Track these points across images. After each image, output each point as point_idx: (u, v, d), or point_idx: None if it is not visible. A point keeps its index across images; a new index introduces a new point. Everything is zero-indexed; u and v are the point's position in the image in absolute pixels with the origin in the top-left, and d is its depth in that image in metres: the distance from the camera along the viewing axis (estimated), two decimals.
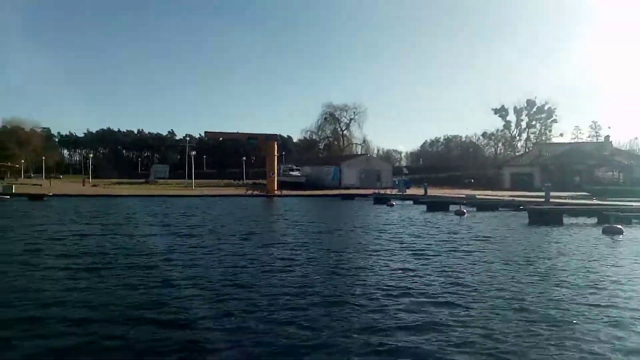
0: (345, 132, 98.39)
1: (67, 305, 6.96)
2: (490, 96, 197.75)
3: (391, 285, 8.30)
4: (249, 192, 51.34)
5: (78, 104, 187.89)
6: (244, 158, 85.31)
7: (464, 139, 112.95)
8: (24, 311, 6.61)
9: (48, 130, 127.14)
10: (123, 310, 6.69)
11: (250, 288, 8.14)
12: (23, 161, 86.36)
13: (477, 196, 34.96)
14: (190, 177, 67.66)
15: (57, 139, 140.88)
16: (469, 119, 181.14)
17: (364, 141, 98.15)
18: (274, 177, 54.54)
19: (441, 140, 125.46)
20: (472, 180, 71.63)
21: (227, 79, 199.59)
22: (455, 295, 7.59)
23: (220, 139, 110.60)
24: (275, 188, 52.65)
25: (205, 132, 63.87)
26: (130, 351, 5.22)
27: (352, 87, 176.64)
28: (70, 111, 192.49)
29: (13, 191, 41.85)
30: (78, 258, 11.08)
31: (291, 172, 69.28)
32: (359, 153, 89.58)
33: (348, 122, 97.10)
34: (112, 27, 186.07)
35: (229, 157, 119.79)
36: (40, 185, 60.29)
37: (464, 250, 12.66)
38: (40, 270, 9.52)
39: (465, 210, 25.69)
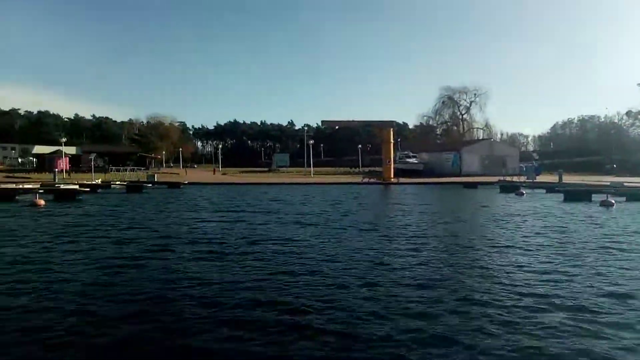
0: (465, 115, 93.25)
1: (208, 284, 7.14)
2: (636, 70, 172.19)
3: (537, 293, 7.09)
4: (365, 179, 51.08)
5: (208, 99, 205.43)
6: (360, 146, 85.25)
7: (602, 120, 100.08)
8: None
9: (184, 124, 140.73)
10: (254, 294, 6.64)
11: (370, 286, 7.61)
12: (164, 152, 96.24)
13: (625, 184, 30.35)
14: (309, 166, 69.59)
15: (191, 132, 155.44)
16: (610, 98, 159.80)
17: (486, 125, 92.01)
18: (390, 164, 53.55)
19: (575, 121, 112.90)
20: (615, 166, 62.99)
21: (344, 68, 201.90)
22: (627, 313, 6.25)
23: (337, 127, 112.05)
24: (392, 176, 51.65)
25: (323, 121, 65.26)
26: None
27: (471, 69, 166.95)
28: (202, 106, 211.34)
29: (155, 180, 46.70)
30: (204, 244, 11.59)
31: (408, 159, 67.54)
32: (481, 138, 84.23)
33: (468, 105, 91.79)
34: (226, 28, 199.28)
35: (345, 145, 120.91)
36: (178, 174, 66.67)
37: (622, 250, 10.71)
38: (177, 254, 10.11)
39: (613, 201, 22.34)
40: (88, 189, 29.28)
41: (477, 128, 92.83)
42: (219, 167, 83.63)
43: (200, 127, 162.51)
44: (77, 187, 29.71)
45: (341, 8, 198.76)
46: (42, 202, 21.56)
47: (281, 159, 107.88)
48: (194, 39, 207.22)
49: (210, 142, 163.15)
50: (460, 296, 6.97)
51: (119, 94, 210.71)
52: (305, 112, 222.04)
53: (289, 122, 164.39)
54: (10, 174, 58.49)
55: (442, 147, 76.28)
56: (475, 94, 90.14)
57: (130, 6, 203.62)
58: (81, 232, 13.59)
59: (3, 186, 28.25)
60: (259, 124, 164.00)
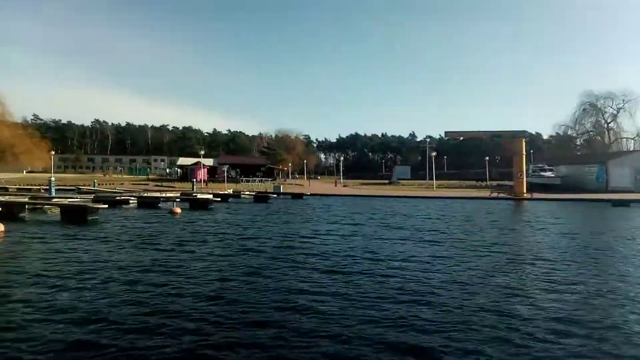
0: (611, 124, 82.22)
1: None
2: None
3: None
4: (494, 194, 47.57)
5: (332, 113, 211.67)
6: (487, 158, 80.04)
7: None
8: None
9: (308, 137, 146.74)
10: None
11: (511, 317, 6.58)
12: (290, 164, 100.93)
13: None
14: (431, 178, 67.18)
15: (315, 145, 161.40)
16: None
17: (638, 134, 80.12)
18: (523, 178, 49.15)
19: None
20: None
21: (464, 78, 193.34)
22: None
23: (461, 138, 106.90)
24: (524, 190, 47.31)
25: (446, 132, 62.48)
26: None
27: (617, 72, 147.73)
28: (326, 120, 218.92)
29: (281, 190, 48.80)
30: (323, 256, 11.38)
31: (542, 173, 61.49)
32: (632, 149, 73.54)
33: (615, 112, 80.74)
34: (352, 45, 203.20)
35: (470, 157, 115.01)
36: (302, 185, 69.14)
37: None
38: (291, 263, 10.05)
39: None
40: (219, 199, 31.51)
41: (627, 138, 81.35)
42: (340, 178, 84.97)
43: (324, 140, 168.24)
44: (210, 196, 32.17)
45: (469, 12, 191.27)
46: (178, 210, 23.62)
47: (402, 171, 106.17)
48: (320, 59, 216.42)
49: (332, 154, 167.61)
50: None
51: (252, 111, 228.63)
52: (427, 124, 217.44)
53: (410, 133, 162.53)
54: (159, 183, 66.12)
55: (583, 160, 68.07)
56: (623, 100, 79.18)
57: (265, 29, 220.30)
58: (206, 240, 14.41)
59: (150, 194, 31.75)
60: (379, 136, 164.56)
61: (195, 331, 5.97)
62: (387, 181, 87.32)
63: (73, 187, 46.88)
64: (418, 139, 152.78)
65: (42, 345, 5.41)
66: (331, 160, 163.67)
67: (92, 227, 17.34)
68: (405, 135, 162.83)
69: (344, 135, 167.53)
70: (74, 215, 18.76)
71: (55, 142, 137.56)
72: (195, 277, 9.03)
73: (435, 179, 65.35)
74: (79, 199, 25.38)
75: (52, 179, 30.72)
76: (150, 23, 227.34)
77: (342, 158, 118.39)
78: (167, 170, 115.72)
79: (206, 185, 59.16)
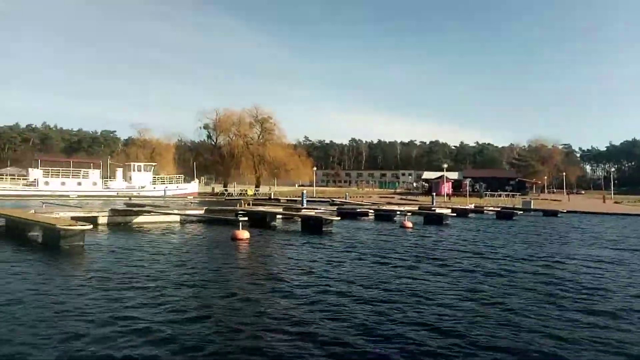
0: None
1: None
2: None
3: None
4: None
5: (598, 117, 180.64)
6: None
7: None
8: None
9: (569, 146, 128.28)
10: None
11: None
12: (545, 177, 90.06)
13: None
14: None
15: (578, 154, 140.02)
16: None
17: None
18: None
19: None
20: None
21: None
22: None
23: None
24: None
25: None
26: None
27: None
28: (590, 124, 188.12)
29: (531, 206, 43.42)
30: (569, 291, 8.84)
31: None
32: None
33: None
34: None
35: None
36: (559, 200, 60.37)
37: None
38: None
39: None
40: (455, 214, 29.84)
41: None
42: (610, 194, 70.94)
43: (590, 149, 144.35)
44: (447, 211, 30.75)
45: None
46: (409, 224, 23.06)
47: None
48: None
49: (600, 165, 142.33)
50: None
51: (503, 119, 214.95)
52: None
53: None
54: (404, 197, 67.77)
55: None
56: None
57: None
58: (423, 256, 13.28)
59: (387, 207, 32.40)
60: None
61: None
62: None
63: (328, 199, 52.10)
64: None
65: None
66: (599, 173, 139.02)
67: (325, 237, 18.33)
68: None
69: (616, 143, 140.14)
70: (311, 226, 20.29)
71: (319, 160, 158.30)
72: (396, 291, 8.10)
73: None
74: (322, 210, 27.65)
75: (304, 191, 34.61)
76: (401, 45, 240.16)
77: (613, 170, 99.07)
78: (414, 184, 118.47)
79: (449, 199, 57.59)
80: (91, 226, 13.21)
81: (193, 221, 22.57)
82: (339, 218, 21.92)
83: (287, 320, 6.73)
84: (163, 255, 12.50)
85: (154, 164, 70.27)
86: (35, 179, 55.75)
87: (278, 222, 23.24)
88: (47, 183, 55.67)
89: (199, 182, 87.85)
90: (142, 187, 63.04)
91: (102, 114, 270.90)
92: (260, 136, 79.09)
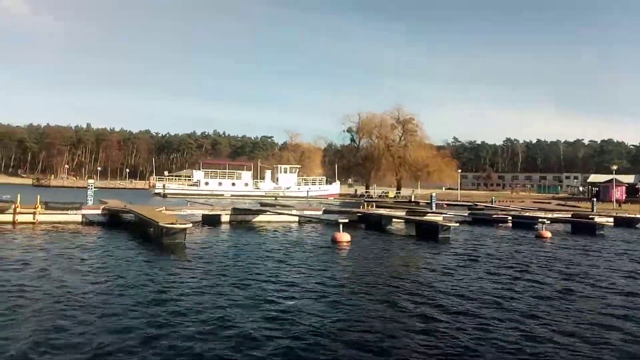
0: None
1: None
2: None
3: None
4: None
5: None
6: None
7: None
8: None
9: None
10: None
11: None
12: None
13: None
14: None
15: None
16: None
17: None
18: None
19: None
20: None
21: None
22: None
23: None
24: None
25: None
26: None
27: None
28: None
29: None
30: None
31: None
32: None
33: None
34: None
35: None
36: None
37: None
38: None
39: None
40: (615, 223, 25.01)
41: None
42: None
43: None
44: (605, 220, 25.94)
45: None
46: (547, 234, 19.70)
47: None
48: None
49: None
50: None
51: None
52: None
53: None
54: (562, 202, 59.79)
55: None
56: None
57: None
58: (544, 271, 10.92)
59: (527, 214, 28.55)
60: None
61: None
62: None
63: (470, 203, 48.59)
64: None
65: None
66: None
67: (440, 244, 16.73)
68: None
69: None
70: (426, 231, 18.73)
71: (469, 162, 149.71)
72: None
73: None
74: (451, 215, 25.56)
75: (433, 194, 32.41)
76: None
77: None
78: (581, 189, 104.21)
79: (619, 206, 48.94)
80: (190, 225, 13.96)
81: (311, 221, 22.68)
82: (457, 224, 19.90)
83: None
84: (255, 253, 12.59)
85: (298, 166, 74.02)
86: (198, 180, 63.11)
87: (395, 225, 22.07)
88: (207, 183, 62.52)
89: (346, 183, 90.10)
90: (288, 188, 66.80)
91: (263, 120, 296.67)
92: (402, 138, 77.72)
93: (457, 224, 19.92)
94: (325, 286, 8.83)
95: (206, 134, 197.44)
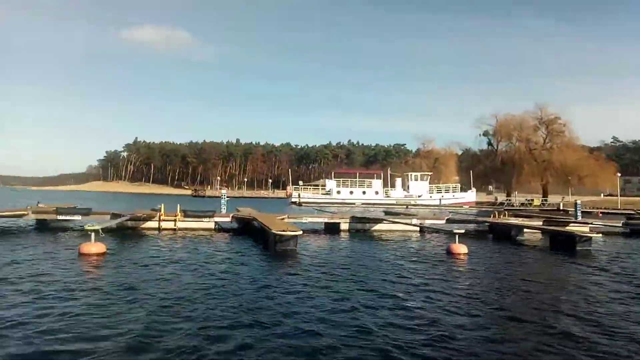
0: None
1: None
2: None
3: None
4: None
5: None
6: None
7: None
8: None
9: None
10: None
11: None
12: None
13: None
14: None
15: None
16: None
17: None
18: None
19: None
20: None
21: None
22: None
23: None
24: None
25: None
26: None
27: None
28: None
29: None
30: None
31: None
32: None
33: None
34: None
35: None
36: None
37: None
38: None
39: None
40: None
41: None
42: None
43: None
44: None
45: None
46: None
47: None
48: None
49: None
50: None
51: None
52: None
53: None
54: None
55: None
56: None
57: None
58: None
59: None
60: None
61: None
62: None
63: (627, 212, 42.02)
64: None
65: None
66: None
67: (578, 257, 14.71)
68: None
69: None
70: (561, 242, 16.58)
71: (633, 164, 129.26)
72: None
73: None
74: (599, 224, 22.36)
75: (578, 202, 28.43)
76: None
77: None
78: None
79: None
80: (301, 232, 14.31)
81: (438, 231, 21.70)
82: (599, 235, 17.26)
83: None
84: (362, 261, 12.50)
85: (429, 173, 71.88)
86: (330, 189, 65.16)
87: (527, 236, 20.00)
88: (339, 192, 64.21)
89: (484, 191, 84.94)
90: (419, 196, 65.28)
91: (396, 128, 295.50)
92: (547, 139, 70.58)
93: (600, 235, 17.32)
94: (416, 300, 8.36)
95: (341, 144, 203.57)
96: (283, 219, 20.19)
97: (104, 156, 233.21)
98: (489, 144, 78.70)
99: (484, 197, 76.40)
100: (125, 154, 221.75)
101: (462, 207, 56.49)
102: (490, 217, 25.35)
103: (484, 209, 52.91)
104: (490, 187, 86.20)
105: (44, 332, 5.90)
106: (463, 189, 69.44)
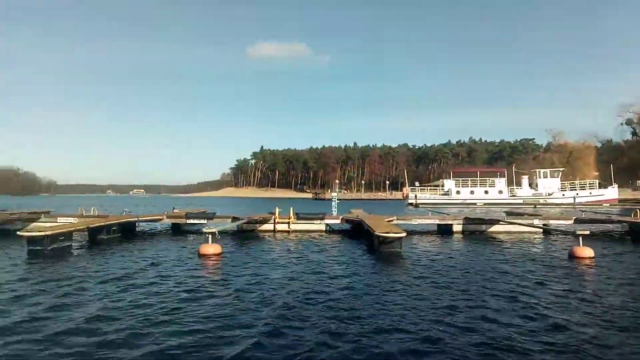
0: None
1: None
2: None
3: None
4: None
5: None
6: None
7: None
8: None
9: None
10: None
11: None
12: None
13: None
14: None
15: None
16: None
17: None
18: None
19: None
20: None
21: None
22: None
23: None
24: None
25: None
26: None
27: None
28: None
29: None
30: None
31: None
32: None
33: None
34: None
35: None
36: None
37: None
38: None
39: None
40: None
41: None
42: None
43: None
44: None
45: None
46: None
47: None
48: None
49: None
50: None
51: None
52: None
53: None
54: None
55: None
56: None
57: None
58: None
59: None
60: None
61: None
62: None
63: None
64: None
65: None
66: None
67: None
68: None
69: None
70: None
71: None
72: None
73: None
74: None
75: None
76: None
77: None
78: None
79: None
80: (405, 234, 14.07)
81: (560, 232, 19.73)
82: None
83: None
84: (469, 266, 11.98)
85: (561, 169, 65.54)
86: (449, 189, 62.87)
87: None
88: (458, 192, 61.63)
89: (630, 187, 75.15)
90: (550, 194, 59.89)
91: (522, 122, 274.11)
92: None
93: None
94: (515, 308, 7.82)
95: (461, 142, 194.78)
96: (391, 220, 20.12)
97: (235, 164, 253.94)
98: (634, 133, 69.14)
99: (629, 194, 67.12)
100: (253, 161, 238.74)
101: (601, 205, 50.47)
102: (631, 215, 22.39)
103: (627, 207, 46.65)
104: (639, 182, 75.53)
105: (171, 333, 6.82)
106: (602, 185, 61.91)
